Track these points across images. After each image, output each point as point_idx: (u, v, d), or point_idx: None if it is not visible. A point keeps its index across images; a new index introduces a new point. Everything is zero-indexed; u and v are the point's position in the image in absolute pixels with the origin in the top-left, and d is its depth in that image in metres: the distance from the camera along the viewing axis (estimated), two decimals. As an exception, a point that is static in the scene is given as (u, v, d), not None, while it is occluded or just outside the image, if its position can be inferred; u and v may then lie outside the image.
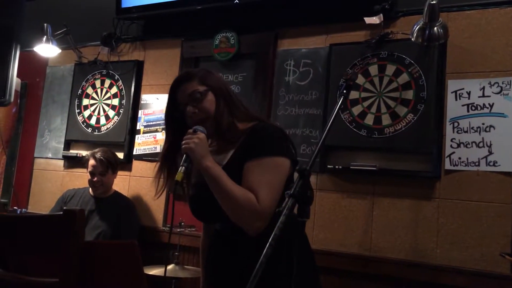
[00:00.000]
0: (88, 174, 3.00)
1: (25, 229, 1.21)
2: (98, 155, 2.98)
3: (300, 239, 1.45)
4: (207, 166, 1.42)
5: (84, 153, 3.29)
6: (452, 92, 2.39)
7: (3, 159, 3.86)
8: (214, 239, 1.62)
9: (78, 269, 1.10)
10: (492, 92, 2.32)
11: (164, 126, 3.17)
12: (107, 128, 3.41)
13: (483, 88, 2.33)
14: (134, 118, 3.32)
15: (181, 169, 1.43)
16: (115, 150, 3.24)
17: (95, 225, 2.90)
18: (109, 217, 2.94)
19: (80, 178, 3.42)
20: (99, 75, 3.53)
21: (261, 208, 1.37)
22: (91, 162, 2.98)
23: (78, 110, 3.56)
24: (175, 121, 1.59)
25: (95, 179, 2.96)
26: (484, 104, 2.32)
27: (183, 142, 1.45)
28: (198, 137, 1.45)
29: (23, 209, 3.50)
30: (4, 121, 3.87)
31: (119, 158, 3.23)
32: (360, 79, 2.58)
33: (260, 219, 1.38)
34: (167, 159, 1.60)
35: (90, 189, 3.06)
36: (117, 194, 3.10)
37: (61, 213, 1.12)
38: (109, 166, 3.00)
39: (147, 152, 3.24)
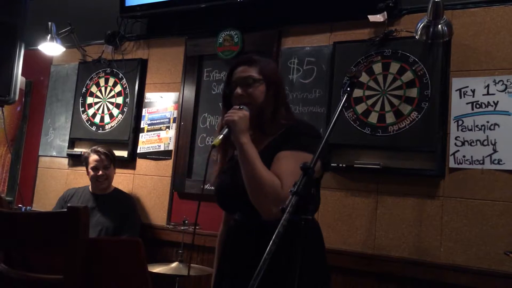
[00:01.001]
0: (90, 170, 3.02)
1: (30, 226, 1.21)
2: (100, 149, 3.02)
3: (305, 238, 1.45)
4: (243, 142, 1.47)
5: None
6: (456, 90, 2.39)
7: (8, 157, 3.88)
8: (233, 228, 1.65)
9: (82, 266, 1.11)
10: (497, 90, 2.30)
11: (168, 125, 3.21)
12: (111, 127, 3.42)
13: (488, 86, 2.32)
14: (138, 117, 3.34)
15: (220, 136, 1.49)
16: (119, 149, 3.27)
17: (96, 222, 2.91)
18: (110, 214, 2.95)
19: (85, 176, 3.42)
20: (103, 74, 3.53)
21: (283, 194, 1.37)
22: (93, 157, 3.00)
23: (83, 109, 3.57)
24: (228, 98, 1.66)
25: (100, 173, 2.98)
26: (488, 102, 2.31)
27: (227, 114, 1.52)
28: (243, 113, 1.51)
29: (28, 207, 3.51)
30: (9, 120, 3.89)
31: (122, 156, 3.27)
32: (364, 77, 2.58)
33: (278, 205, 1.37)
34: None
35: (90, 186, 3.09)
36: (117, 190, 3.12)
37: (66, 210, 1.12)
38: (111, 160, 3.05)
39: (151, 150, 3.25)
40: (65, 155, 3.59)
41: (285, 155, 1.48)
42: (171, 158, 3.17)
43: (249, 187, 1.44)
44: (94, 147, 3.07)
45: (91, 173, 3.01)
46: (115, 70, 3.47)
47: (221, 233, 1.81)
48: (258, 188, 1.42)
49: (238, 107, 1.55)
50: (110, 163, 3.03)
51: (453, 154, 2.35)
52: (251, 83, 1.58)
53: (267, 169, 1.44)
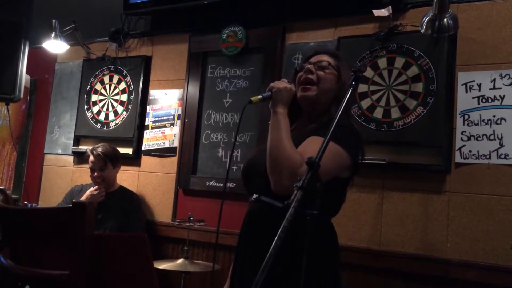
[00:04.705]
0: (89, 170, 3.02)
1: (35, 222, 1.22)
2: (96, 150, 2.99)
3: (311, 234, 1.44)
4: (279, 111, 1.52)
5: (93, 149, 3.31)
6: (462, 84, 2.37)
7: (14, 155, 3.90)
8: (247, 212, 1.64)
9: (88, 261, 1.11)
10: (503, 84, 2.29)
11: (172, 122, 3.21)
12: (116, 124, 3.42)
13: (494, 80, 2.31)
14: (143, 114, 3.34)
15: (259, 96, 1.55)
16: (124, 146, 3.27)
17: (101, 220, 2.91)
18: (115, 212, 2.95)
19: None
20: (108, 71, 3.54)
21: (300, 172, 1.35)
22: (90, 158, 3.00)
23: (87, 106, 3.57)
24: (296, 76, 1.70)
25: (95, 174, 2.98)
26: (495, 96, 2.30)
27: (274, 82, 1.58)
28: (290, 86, 1.57)
29: (34, 204, 3.53)
30: (14, 118, 3.91)
31: (127, 153, 3.27)
32: (369, 72, 2.56)
33: (291, 180, 1.33)
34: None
35: None
36: (122, 188, 3.12)
37: (71, 205, 1.12)
38: (108, 161, 2.98)
39: (156, 147, 3.25)
40: (70, 153, 3.60)
41: (315, 139, 1.47)
42: (175, 155, 3.17)
43: (269, 153, 1.46)
44: (95, 146, 3.04)
45: (90, 173, 3.02)
46: (119, 67, 3.47)
47: None
48: (277, 157, 1.43)
49: (287, 80, 1.60)
50: (106, 164, 2.97)
51: (459, 149, 2.33)
52: (325, 66, 1.64)
53: (292, 144, 1.46)
